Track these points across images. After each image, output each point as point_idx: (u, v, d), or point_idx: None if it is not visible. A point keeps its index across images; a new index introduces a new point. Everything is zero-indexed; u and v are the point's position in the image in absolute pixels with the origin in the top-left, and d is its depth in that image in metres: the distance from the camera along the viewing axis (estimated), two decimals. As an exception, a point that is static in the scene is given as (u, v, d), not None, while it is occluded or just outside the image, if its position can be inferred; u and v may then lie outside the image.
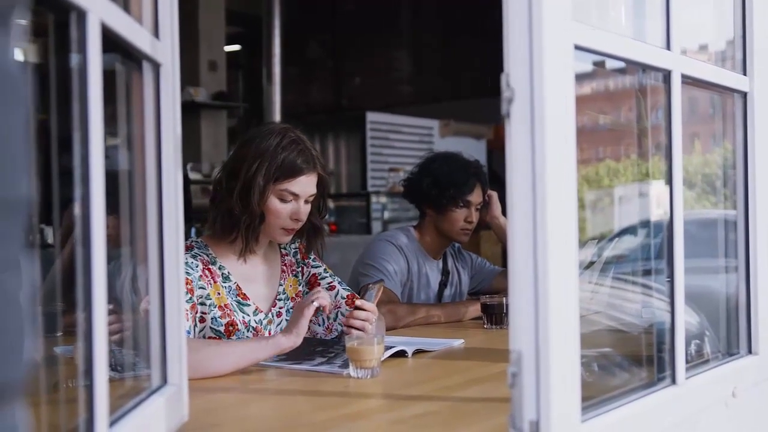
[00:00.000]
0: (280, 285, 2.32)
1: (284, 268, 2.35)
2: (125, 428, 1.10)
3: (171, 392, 1.34)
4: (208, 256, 2.19)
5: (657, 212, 1.90)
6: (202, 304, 2.10)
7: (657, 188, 1.85)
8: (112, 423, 1.07)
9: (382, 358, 1.92)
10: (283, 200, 2.17)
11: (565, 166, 1.18)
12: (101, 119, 1.01)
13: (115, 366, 1.30)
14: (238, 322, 2.16)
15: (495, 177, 5.51)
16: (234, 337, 2.14)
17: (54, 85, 1.05)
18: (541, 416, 1.14)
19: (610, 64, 1.51)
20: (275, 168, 2.13)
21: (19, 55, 0.59)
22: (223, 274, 2.20)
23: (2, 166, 0.56)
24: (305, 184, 2.18)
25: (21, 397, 0.58)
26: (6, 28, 0.57)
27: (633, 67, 1.59)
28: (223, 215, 2.18)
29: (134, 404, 1.22)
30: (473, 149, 7.08)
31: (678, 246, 1.49)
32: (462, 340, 2.35)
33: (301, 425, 1.52)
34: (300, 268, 2.38)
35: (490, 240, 6.70)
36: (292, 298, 2.33)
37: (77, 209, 0.99)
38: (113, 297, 1.14)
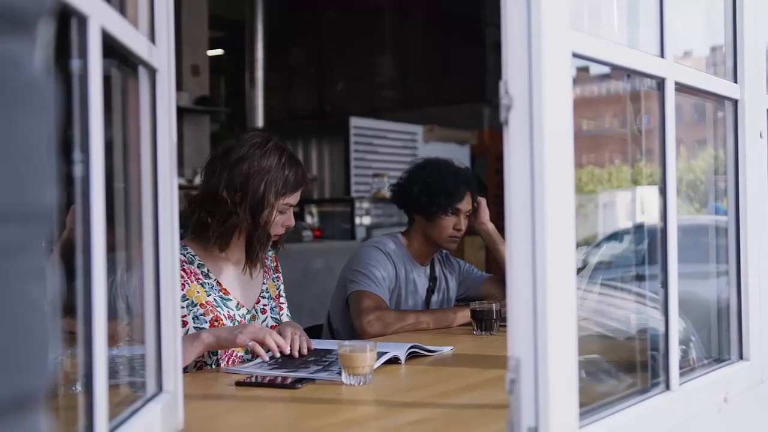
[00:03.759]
0: (264, 284, 2.41)
1: (266, 268, 2.44)
2: (123, 437, 1.09)
3: (166, 400, 1.33)
4: (185, 255, 2.21)
5: (643, 218, 1.92)
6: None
7: (642, 194, 1.86)
8: (111, 431, 1.06)
9: (376, 366, 1.92)
10: (281, 213, 2.28)
11: (563, 173, 1.18)
12: (101, 124, 1.00)
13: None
14: (222, 316, 2.22)
15: (478, 183, 5.53)
16: None
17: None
18: (539, 422, 1.14)
19: (595, 70, 1.52)
20: (282, 185, 2.24)
21: (44, 62, 0.59)
22: (202, 272, 2.26)
23: (28, 174, 0.55)
24: (299, 195, 2.32)
25: (44, 404, 0.58)
26: (31, 37, 0.56)
27: (619, 73, 1.60)
28: (229, 230, 2.23)
29: (131, 412, 1.21)
30: (457, 154, 7.07)
31: (672, 252, 1.50)
32: (451, 347, 2.35)
33: (295, 432, 1.52)
34: (276, 275, 2.49)
35: (473, 246, 6.72)
36: (274, 297, 2.42)
37: (77, 215, 0.98)
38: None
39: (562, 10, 1.19)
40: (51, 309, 0.57)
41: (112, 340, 1.45)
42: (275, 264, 2.50)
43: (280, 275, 2.50)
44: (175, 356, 1.36)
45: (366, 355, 1.85)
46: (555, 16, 1.17)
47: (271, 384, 1.86)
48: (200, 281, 2.23)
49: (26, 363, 0.55)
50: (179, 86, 7.42)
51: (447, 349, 2.33)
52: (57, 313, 0.58)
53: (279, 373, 1.96)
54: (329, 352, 2.14)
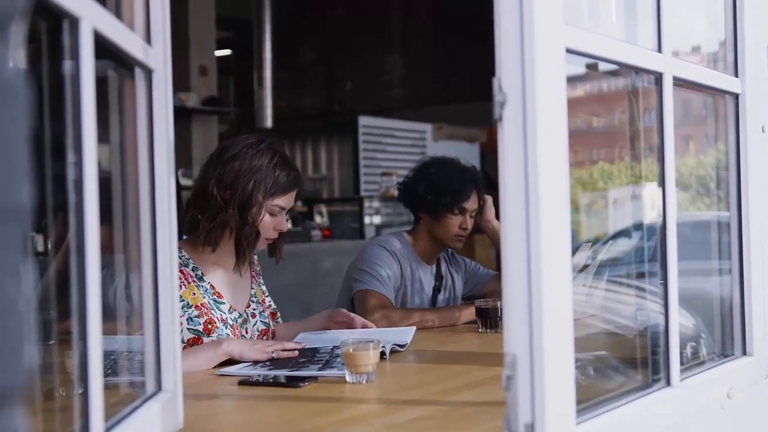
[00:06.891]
0: (252, 288, 2.44)
1: (253, 273, 2.48)
2: (120, 436, 1.10)
3: (165, 399, 1.33)
4: (180, 258, 2.23)
5: (651, 215, 1.91)
6: None
7: (651, 191, 1.86)
8: (107, 430, 1.07)
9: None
10: (272, 214, 2.29)
11: (557, 169, 1.18)
12: (94, 126, 1.01)
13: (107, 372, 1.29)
14: (216, 319, 2.25)
15: (488, 181, 5.52)
16: (214, 335, 2.23)
17: (46, 92, 1.04)
18: (536, 419, 1.14)
19: (603, 66, 1.52)
20: (271, 185, 2.26)
21: (18, 62, 0.60)
22: (197, 275, 2.29)
23: (5, 173, 0.56)
24: (292, 199, 2.34)
25: (21, 402, 0.58)
26: (5, 36, 0.57)
27: (625, 69, 1.59)
28: (218, 227, 2.25)
29: (129, 411, 1.21)
30: (466, 153, 7.07)
31: (671, 247, 1.49)
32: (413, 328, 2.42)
33: (297, 431, 1.52)
34: (260, 279, 2.52)
35: (483, 244, 6.70)
36: (261, 302, 2.45)
37: (71, 217, 0.99)
38: (106, 305, 1.14)
39: (555, 5, 1.19)
40: (27, 306, 0.58)
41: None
42: (259, 268, 2.54)
43: (261, 279, 2.53)
44: (174, 355, 1.37)
45: (369, 353, 1.85)
46: (548, 11, 1.17)
47: (274, 383, 1.86)
48: (195, 283, 2.26)
49: (1, 360, 0.55)
50: (187, 87, 7.43)
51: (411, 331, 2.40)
52: (33, 311, 0.59)
53: (276, 372, 1.96)
54: (317, 351, 2.16)
